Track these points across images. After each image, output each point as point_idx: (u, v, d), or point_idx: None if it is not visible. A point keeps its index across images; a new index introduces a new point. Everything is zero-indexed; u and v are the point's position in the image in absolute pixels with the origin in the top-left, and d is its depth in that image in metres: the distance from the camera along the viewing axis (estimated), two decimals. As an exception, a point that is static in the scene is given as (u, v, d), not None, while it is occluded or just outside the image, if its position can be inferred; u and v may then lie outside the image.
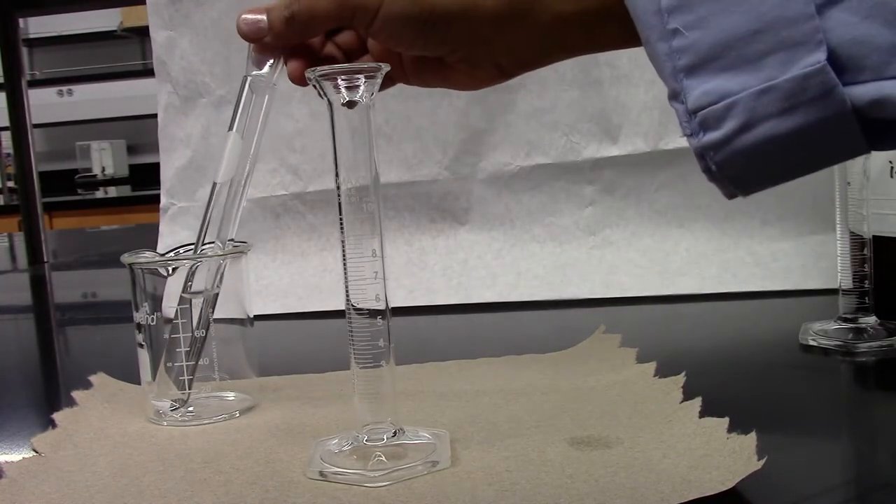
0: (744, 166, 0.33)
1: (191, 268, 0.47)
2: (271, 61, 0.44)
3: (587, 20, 0.38)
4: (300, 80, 0.42)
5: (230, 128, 0.45)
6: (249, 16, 0.43)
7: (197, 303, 0.47)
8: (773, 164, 0.33)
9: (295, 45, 0.44)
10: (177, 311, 0.47)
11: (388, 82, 0.45)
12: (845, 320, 0.55)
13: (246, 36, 0.43)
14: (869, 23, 0.29)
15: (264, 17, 0.42)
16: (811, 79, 0.30)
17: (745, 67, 0.31)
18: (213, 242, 0.47)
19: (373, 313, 0.38)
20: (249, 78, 0.45)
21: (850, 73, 0.30)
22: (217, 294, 0.47)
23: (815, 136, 0.31)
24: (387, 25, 0.39)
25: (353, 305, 0.38)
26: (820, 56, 0.30)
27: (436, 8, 0.39)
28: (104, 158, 3.42)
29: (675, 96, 0.33)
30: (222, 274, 0.47)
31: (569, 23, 0.38)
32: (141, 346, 0.47)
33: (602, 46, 0.41)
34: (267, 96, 0.45)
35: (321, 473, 0.37)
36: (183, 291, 0.46)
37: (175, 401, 0.47)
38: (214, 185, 0.45)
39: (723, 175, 0.33)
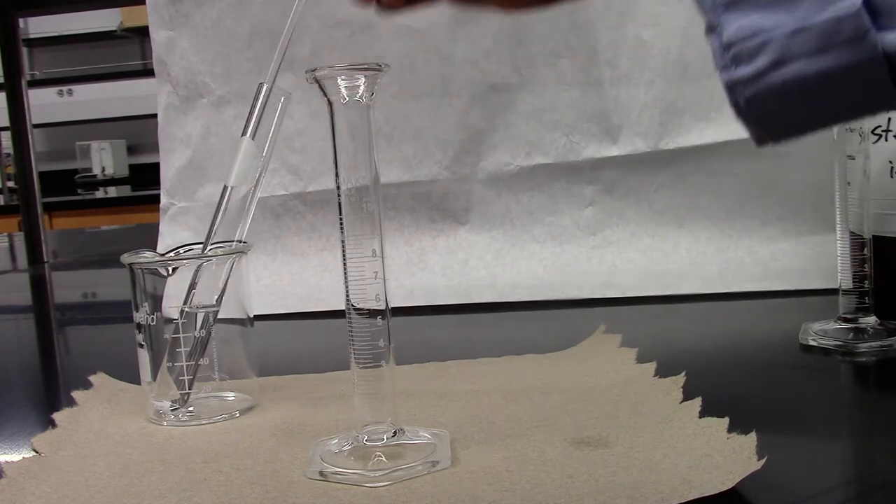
0: (772, 104, 0.33)
1: (197, 269, 0.47)
2: None
3: None
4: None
5: (244, 132, 0.46)
6: None
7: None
8: (801, 106, 0.33)
9: None
10: (181, 311, 0.47)
11: None
12: (845, 320, 0.55)
13: None
14: None
15: None
16: (845, 22, 0.30)
17: (783, 5, 0.32)
18: (221, 243, 0.47)
19: (373, 313, 0.38)
20: (265, 85, 0.45)
21: (884, 19, 0.30)
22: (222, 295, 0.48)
23: (845, 80, 0.31)
24: None
25: (353, 305, 0.38)
26: (855, 0, 0.30)
27: None
28: (104, 158, 3.42)
29: (711, 29, 0.34)
30: (228, 275, 0.48)
31: None
32: (141, 346, 0.47)
33: None
34: (281, 103, 0.45)
35: (321, 473, 0.37)
36: (186, 299, 0.46)
37: (174, 401, 0.47)
38: (226, 188, 0.46)
39: (750, 112, 0.33)
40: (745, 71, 0.33)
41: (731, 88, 0.33)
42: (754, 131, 0.35)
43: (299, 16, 0.46)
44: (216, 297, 0.47)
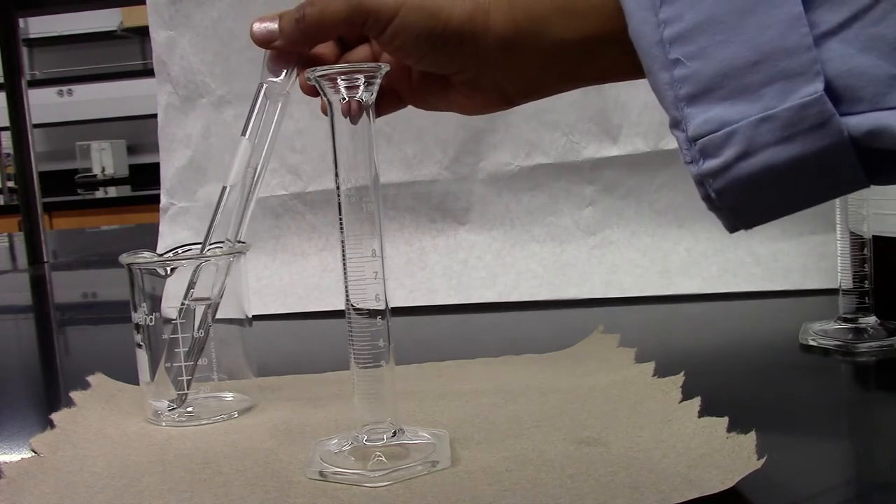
0: (743, 194, 0.33)
1: (195, 268, 0.47)
2: (286, 71, 0.44)
3: (590, 48, 0.38)
4: (311, 91, 0.42)
5: (243, 133, 0.46)
6: (261, 22, 0.43)
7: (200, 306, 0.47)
8: (771, 194, 0.33)
9: (307, 52, 0.44)
10: (179, 311, 0.47)
11: (396, 104, 0.45)
12: (845, 320, 0.55)
13: (258, 41, 0.43)
14: (866, 54, 0.30)
15: (276, 22, 0.42)
16: (809, 108, 0.30)
17: (745, 97, 0.31)
18: (219, 243, 0.47)
19: (373, 313, 0.38)
20: (265, 85, 0.45)
21: (847, 104, 0.30)
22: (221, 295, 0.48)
23: (814, 166, 0.31)
24: (398, 35, 0.39)
25: (352, 305, 0.38)
26: (818, 86, 0.30)
27: (449, 25, 0.39)
28: (104, 158, 3.42)
29: (676, 125, 0.33)
30: (226, 274, 0.48)
31: (571, 50, 0.38)
32: (139, 346, 0.47)
33: (605, 76, 0.41)
34: (280, 104, 0.45)
35: (321, 473, 0.37)
36: (185, 297, 0.46)
37: (172, 401, 0.47)
38: (224, 188, 0.46)
39: (722, 203, 0.34)
40: (713, 163, 0.33)
41: (701, 182, 0.34)
42: (726, 220, 0.35)
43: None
44: (215, 293, 0.47)
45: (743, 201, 0.33)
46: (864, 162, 0.31)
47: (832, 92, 0.30)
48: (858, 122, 0.30)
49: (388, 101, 0.45)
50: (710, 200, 0.34)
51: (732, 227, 0.35)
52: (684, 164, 0.33)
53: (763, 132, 0.31)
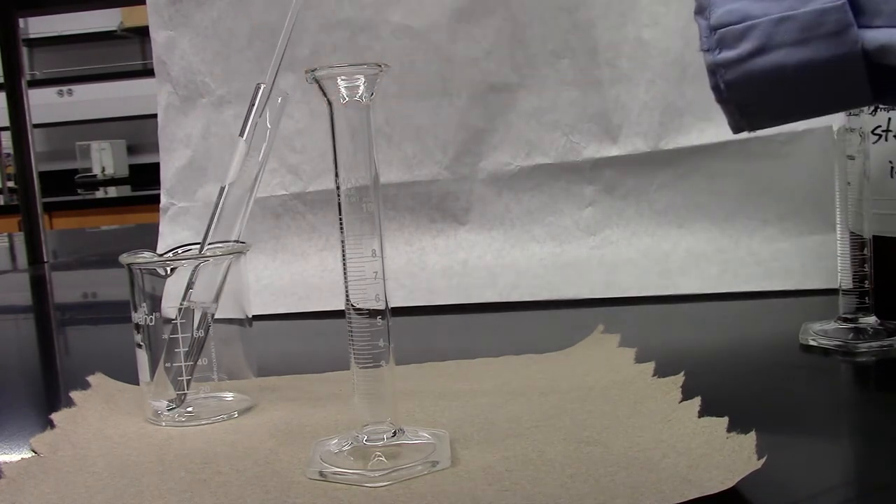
0: (751, 90, 0.33)
1: (195, 268, 0.47)
2: None
3: None
4: None
5: (241, 133, 0.46)
6: None
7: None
8: (778, 94, 0.33)
9: None
10: (178, 310, 0.47)
11: None
12: (845, 320, 0.55)
13: None
14: None
15: None
16: (829, 15, 0.31)
17: None
18: (220, 243, 0.47)
19: (373, 313, 0.38)
20: (262, 85, 0.45)
21: (867, 17, 0.31)
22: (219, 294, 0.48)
23: (822, 73, 0.32)
24: None
25: (352, 305, 0.38)
26: None
27: None
28: (104, 158, 3.42)
29: (700, 11, 0.34)
30: (226, 275, 0.48)
31: None
32: (139, 346, 0.47)
33: None
34: (278, 104, 0.45)
35: (321, 474, 0.37)
36: (184, 298, 0.47)
37: (171, 401, 0.47)
38: (223, 188, 0.46)
39: (730, 96, 0.34)
40: (728, 54, 0.33)
41: (713, 71, 0.34)
42: (731, 116, 0.35)
43: (296, 18, 0.46)
44: (213, 295, 0.47)
45: (750, 97, 0.34)
46: (872, 79, 0.32)
47: (854, 3, 0.31)
48: (874, 36, 0.31)
49: None
50: (718, 91, 0.34)
51: (736, 126, 0.35)
52: (700, 51, 0.34)
53: (781, 31, 0.32)
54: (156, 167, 0.84)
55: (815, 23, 0.31)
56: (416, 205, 0.79)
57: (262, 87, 0.45)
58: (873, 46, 0.31)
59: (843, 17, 0.31)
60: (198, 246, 0.48)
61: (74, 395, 0.51)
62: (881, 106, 0.53)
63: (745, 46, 0.33)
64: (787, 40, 0.32)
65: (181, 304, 0.46)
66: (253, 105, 0.46)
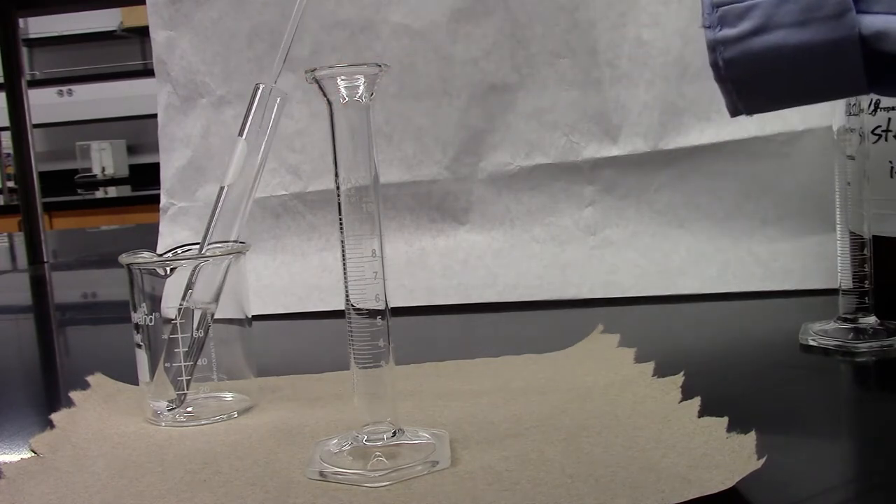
0: (749, 69, 0.34)
1: (195, 268, 0.47)
2: None
3: None
4: None
5: (240, 133, 0.46)
6: None
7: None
8: (776, 75, 0.34)
9: None
10: (178, 311, 0.47)
11: None
12: (845, 320, 0.55)
13: None
14: None
15: None
16: None
17: None
18: (220, 243, 0.47)
19: (372, 313, 0.38)
20: (261, 85, 0.45)
21: (866, 2, 0.31)
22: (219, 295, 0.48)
23: (819, 56, 0.32)
24: None
25: (352, 305, 0.38)
26: None
27: None
28: (104, 158, 3.42)
29: None
30: (225, 275, 0.48)
31: None
32: (139, 346, 0.47)
33: None
34: (277, 104, 0.45)
35: (321, 474, 0.37)
36: (184, 299, 0.47)
37: (170, 401, 0.47)
38: (222, 188, 0.46)
39: (728, 74, 0.34)
40: (728, 32, 0.33)
41: (713, 48, 0.34)
42: (729, 97, 0.35)
43: (300, 17, 0.46)
44: (213, 295, 0.47)
45: (747, 77, 0.34)
46: (868, 66, 0.32)
47: None
48: (871, 22, 0.31)
49: None
50: (717, 69, 0.34)
51: (733, 109, 0.36)
52: (701, 27, 0.34)
53: (782, 12, 0.32)
54: (156, 167, 0.84)
55: (816, 5, 0.31)
56: (416, 205, 0.79)
57: (261, 87, 0.45)
58: (870, 31, 0.31)
59: (843, 0, 0.31)
60: (197, 246, 0.48)
61: (74, 395, 0.51)
62: (877, 98, 0.53)
63: (745, 25, 0.33)
64: (787, 21, 0.32)
65: (181, 305, 0.46)
66: (252, 105, 0.46)
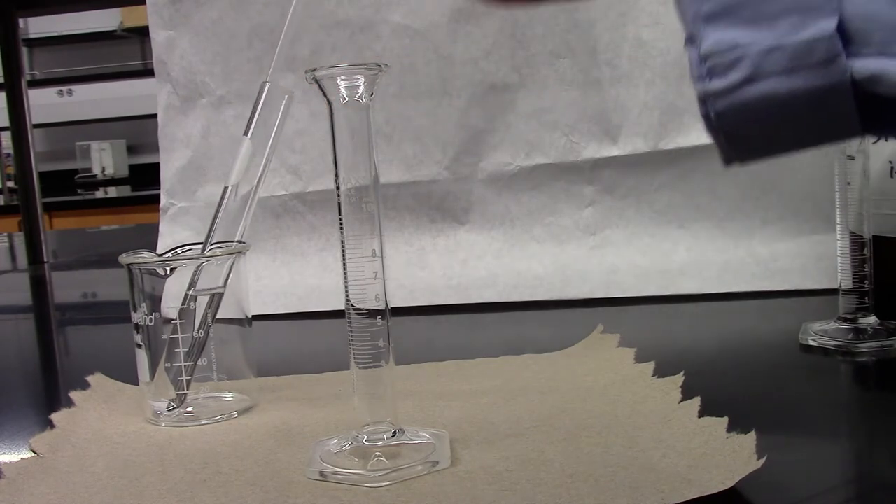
0: (741, 120, 0.34)
1: (196, 268, 0.47)
2: None
3: None
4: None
5: (245, 132, 0.46)
6: None
7: (200, 303, 0.47)
8: (768, 125, 0.34)
9: None
10: (180, 310, 0.47)
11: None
12: (845, 320, 0.55)
13: None
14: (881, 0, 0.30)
15: None
16: (818, 43, 0.31)
17: (761, 24, 0.32)
18: (221, 243, 0.47)
19: (372, 313, 0.38)
20: (268, 84, 0.45)
21: (856, 46, 0.31)
22: (221, 295, 0.48)
23: (811, 103, 0.32)
24: None
25: (352, 305, 0.38)
26: (831, 23, 0.31)
27: None
28: (104, 158, 3.42)
29: (691, 40, 0.34)
30: (228, 274, 0.48)
31: None
32: (139, 346, 0.47)
33: None
34: (283, 103, 0.45)
35: (321, 474, 0.37)
36: (184, 300, 0.46)
37: (171, 401, 0.47)
38: (226, 188, 0.46)
39: (720, 125, 0.34)
40: (718, 84, 0.33)
41: (704, 100, 0.34)
42: (722, 147, 0.35)
43: (299, 16, 0.46)
44: (218, 287, 0.47)
45: (740, 127, 0.34)
46: (861, 109, 0.32)
47: (844, 32, 0.31)
48: (864, 65, 0.31)
49: None
50: (708, 120, 0.35)
51: (727, 158, 0.36)
52: (691, 79, 0.34)
53: (771, 61, 0.32)
54: (156, 167, 0.84)
55: (805, 52, 0.31)
56: (416, 205, 0.79)
57: (267, 86, 0.45)
58: (864, 76, 0.31)
59: (832, 46, 0.31)
60: (198, 246, 0.48)
61: (74, 395, 0.51)
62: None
63: (735, 76, 0.33)
64: (777, 70, 0.32)
65: (184, 304, 0.46)
66: (258, 104, 0.46)
